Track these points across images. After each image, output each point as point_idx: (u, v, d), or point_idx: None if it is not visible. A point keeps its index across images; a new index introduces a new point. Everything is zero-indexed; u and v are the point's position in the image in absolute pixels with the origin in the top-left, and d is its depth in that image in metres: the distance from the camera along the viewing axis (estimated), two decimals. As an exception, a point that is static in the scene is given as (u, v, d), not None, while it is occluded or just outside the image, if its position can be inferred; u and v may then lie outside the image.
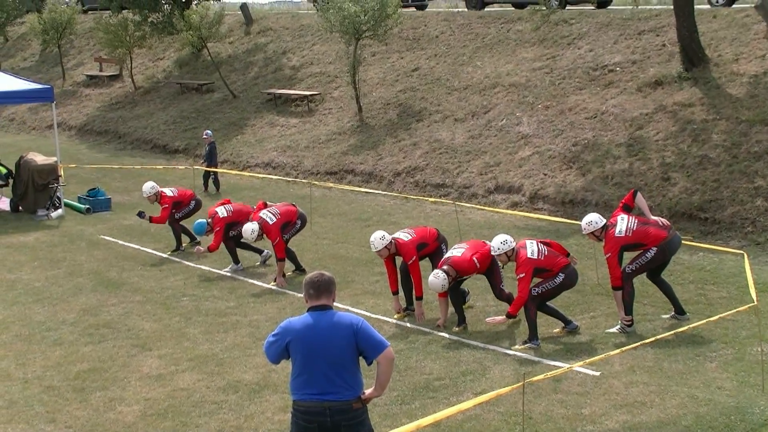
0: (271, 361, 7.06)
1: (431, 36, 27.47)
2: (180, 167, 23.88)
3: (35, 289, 14.71)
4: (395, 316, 12.81)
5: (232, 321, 12.90)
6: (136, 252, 16.94)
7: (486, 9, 30.72)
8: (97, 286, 14.75)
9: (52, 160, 20.84)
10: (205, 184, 22.41)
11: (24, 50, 42.73)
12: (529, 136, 20.71)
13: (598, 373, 10.37)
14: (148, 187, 16.99)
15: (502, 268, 12.25)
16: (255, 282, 14.78)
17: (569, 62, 22.83)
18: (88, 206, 20.37)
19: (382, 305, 13.26)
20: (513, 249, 11.56)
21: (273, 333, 6.97)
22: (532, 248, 11.49)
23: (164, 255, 16.62)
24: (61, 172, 20.84)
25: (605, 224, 11.83)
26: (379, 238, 12.48)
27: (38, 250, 17.31)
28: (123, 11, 34.45)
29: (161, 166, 24.20)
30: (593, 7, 26.02)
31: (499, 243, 11.59)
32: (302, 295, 7.06)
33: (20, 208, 20.63)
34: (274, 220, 14.57)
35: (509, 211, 18.36)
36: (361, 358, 6.91)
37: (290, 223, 14.84)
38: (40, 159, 20.80)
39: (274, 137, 25.97)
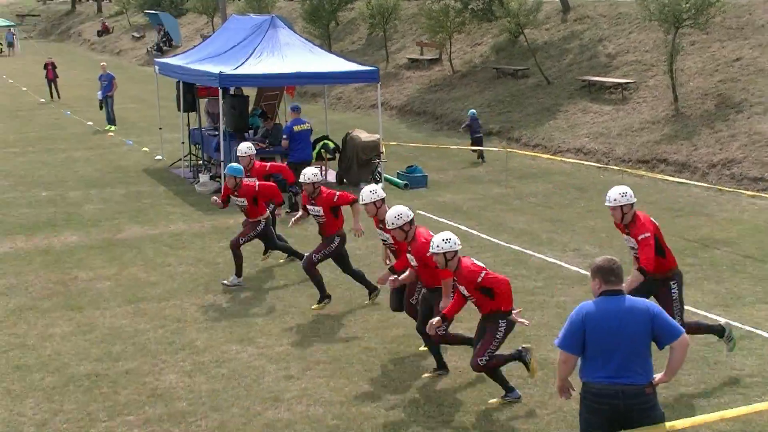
0: (570, 353, 7.05)
1: (757, 25, 26.05)
2: (493, 149, 24.13)
3: (357, 256, 15.30)
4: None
5: (539, 300, 12.94)
6: (449, 228, 17.22)
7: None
8: (412, 257, 15.22)
9: (375, 137, 21.67)
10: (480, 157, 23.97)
11: (352, 34, 44.58)
12: None
13: None
14: (245, 147, 15.57)
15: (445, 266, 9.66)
16: (564, 264, 14.70)
17: None
18: (406, 182, 21.03)
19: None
20: (455, 252, 9.39)
21: (566, 325, 7.05)
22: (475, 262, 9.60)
23: (475, 232, 16.84)
24: (383, 149, 21.66)
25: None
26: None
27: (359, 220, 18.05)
28: (445, -2, 35.19)
29: (475, 147, 24.55)
30: None
31: (441, 240, 9.42)
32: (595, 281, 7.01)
33: (344, 180, 21.64)
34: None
35: (833, 210, 17.20)
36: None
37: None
38: (364, 136, 21.69)
39: (586, 124, 25.67)
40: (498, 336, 9.36)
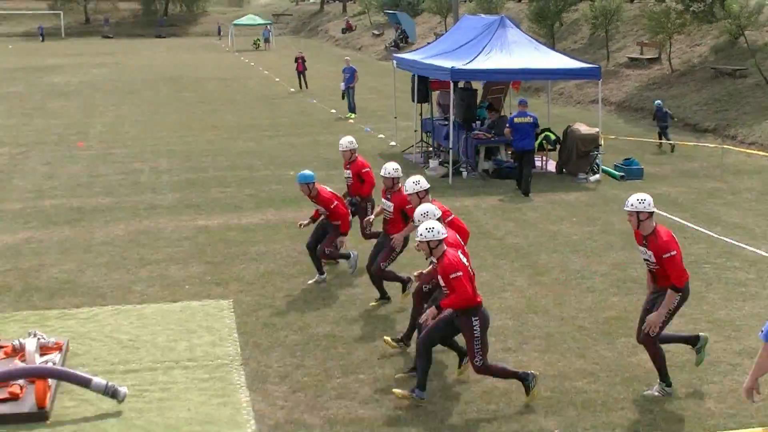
0: None
1: None
2: (709, 146, 23.14)
3: (573, 241, 15.17)
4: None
5: (751, 291, 12.34)
6: (662, 220, 16.65)
7: None
8: (625, 244, 14.81)
9: (594, 130, 21.21)
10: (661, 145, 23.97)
11: (575, 34, 43.76)
12: None
13: None
14: (347, 141, 14.02)
15: (426, 259, 9.52)
16: (777, 259, 13.95)
17: None
18: (622, 174, 20.49)
19: None
20: (439, 241, 8.81)
21: None
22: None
23: (689, 224, 16.20)
24: (602, 142, 21.19)
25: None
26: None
27: (576, 208, 17.79)
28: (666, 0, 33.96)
29: (691, 143, 23.67)
30: None
31: (425, 230, 8.80)
32: None
33: (564, 170, 21.33)
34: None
35: None
36: None
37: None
38: (584, 129, 21.28)
39: (805, 123, 24.19)
40: (476, 334, 8.80)
